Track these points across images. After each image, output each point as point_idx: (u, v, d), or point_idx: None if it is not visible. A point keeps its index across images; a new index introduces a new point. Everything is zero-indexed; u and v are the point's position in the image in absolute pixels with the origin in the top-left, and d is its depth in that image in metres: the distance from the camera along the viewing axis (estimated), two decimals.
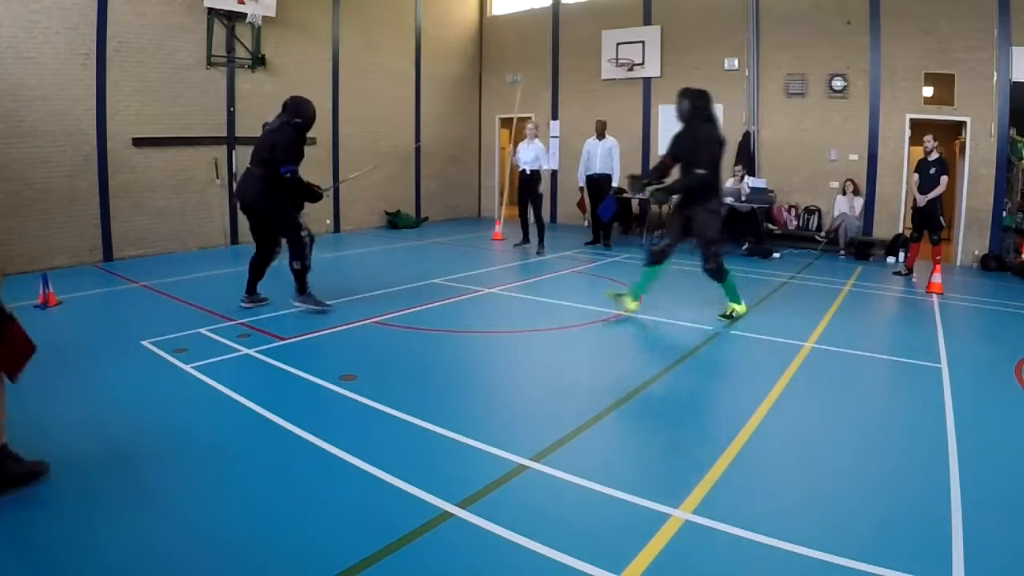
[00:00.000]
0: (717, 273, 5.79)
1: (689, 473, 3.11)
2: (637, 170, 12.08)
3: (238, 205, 6.11)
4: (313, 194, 5.99)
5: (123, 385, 4.21)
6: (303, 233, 5.82)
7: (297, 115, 5.80)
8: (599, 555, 2.43)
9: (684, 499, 2.85)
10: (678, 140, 5.81)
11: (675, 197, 5.93)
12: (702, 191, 5.62)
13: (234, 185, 9.52)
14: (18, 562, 2.38)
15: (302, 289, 5.95)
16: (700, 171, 5.52)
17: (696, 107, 5.66)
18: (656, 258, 5.90)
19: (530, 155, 9.72)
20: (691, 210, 5.71)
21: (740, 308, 5.96)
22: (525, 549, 2.48)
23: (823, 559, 2.43)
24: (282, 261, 6.14)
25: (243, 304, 6.10)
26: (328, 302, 6.07)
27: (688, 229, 5.82)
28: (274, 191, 5.75)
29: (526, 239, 10.22)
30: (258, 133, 10.48)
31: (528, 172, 9.67)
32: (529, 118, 11.57)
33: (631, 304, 6.03)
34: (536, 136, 9.92)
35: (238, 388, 4.10)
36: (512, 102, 14.24)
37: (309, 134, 11.78)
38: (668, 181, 5.91)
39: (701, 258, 5.80)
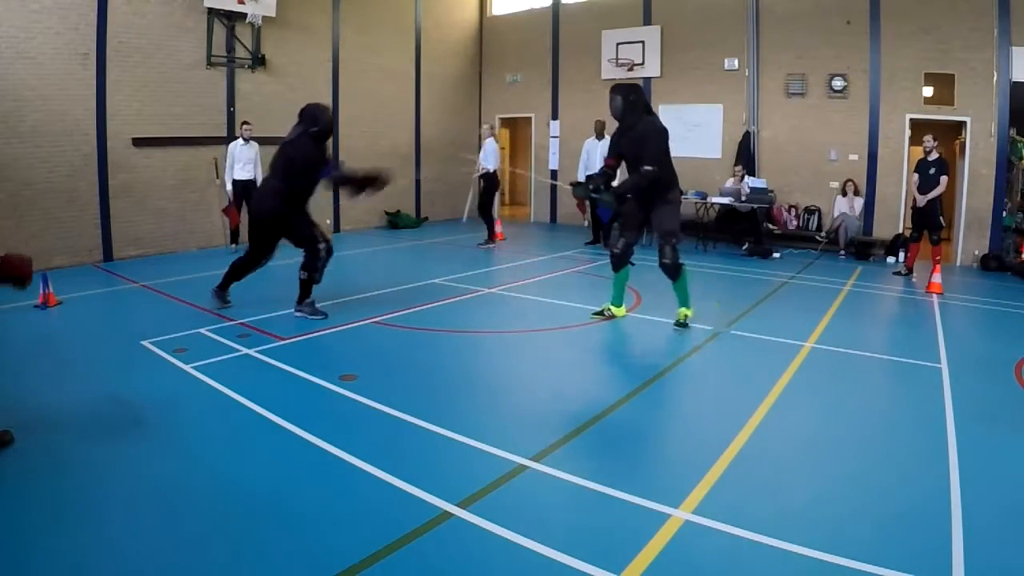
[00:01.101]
0: (672, 269, 5.53)
1: (689, 473, 3.11)
2: None
3: (249, 217, 5.95)
4: (373, 179, 5.72)
5: (123, 385, 4.21)
6: (321, 246, 5.71)
7: (313, 123, 5.65)
8: (599, 555, 2.43)
9: (684, 499, 2.85)
10: (619, 139, 5.63)
11: (628, 197, 5.66)
12: (657, 187, 5.44)
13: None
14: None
15: (303, 297, 5.85)
16: (648, 168, 5.31)
17: (629, 102, 5.45)
18: (619, 262, 5.77)
19: (481, 154, 10.47)
20: (649, 205, 5.56)
21: (689, 312, 5.68)
22: (525, 549, 2.48)
23: (823, 559, 2.43)
24: (278, 261, 6.13)
25: (213, 295, 6.07)
26: (323, 311, 5.87)
27: (646, 224, 5.74)
28: (290, 204, 5.63)
29: (491, 238, 10.58)
30: (258, 133, 10.57)
31: (483, 171, 10.38)
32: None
33: (619, 311, 5.97)
34: (490, 136, 10.49)
35: (238, 388, 4.10)
36: (512, 102, 14.29)
37: None
38: (616, 183, 5.72)
39: (658, 252, 5.56)
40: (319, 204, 11.43)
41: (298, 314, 5.85)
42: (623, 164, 5.77)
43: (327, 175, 5.61)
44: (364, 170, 5.85)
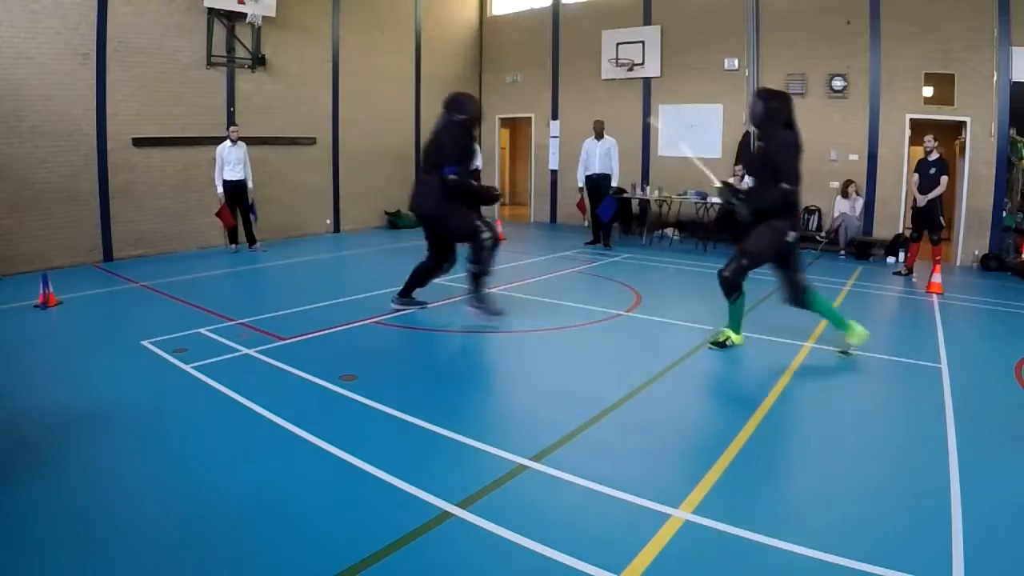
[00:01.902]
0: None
1: (689, 473, 3.11)
2: (637, 170, 12.13)
3: (414, 215, 5.85)
4: (488, 196, 5.81)
5: (123, 385, 4.21)
6: (485, 237, 5.56)
7: (460, 111, 5.51)
8: (599, 555, 2.43)
9: (684, 499, 2.85)
10: (747, 148, 5.05)
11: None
12: (780, 208, 4.87)
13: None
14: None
15: (477, 290, 5.71)
16: (786, 186, 4.76)
17: (772, 110, 4.87)
18: (727, 287, 5.11)
19: None
20: (760, 223, 5.02)
21: (737, 338, 5.18)
22: (525, 549, 2.48)
23: (823, 559, 2.42)
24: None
25: (393, 304, 5.98)
26: (500, 309, 5.75)
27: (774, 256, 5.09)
28: (449, 197, 5.49)
29: None
30: (258, 133, 10.55)
31: None
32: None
33: (736, 338, 5.23)
34: None
35: (238, 388, 4.10)
36: (512, 102, 14.29)
37: (308, 134, 11.86)
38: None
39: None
40: (319, 203, 11.55)
41: (471, 309, 5.73)
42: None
43: (452, 172, 5.37)
44: (479, 186, 5.91)
